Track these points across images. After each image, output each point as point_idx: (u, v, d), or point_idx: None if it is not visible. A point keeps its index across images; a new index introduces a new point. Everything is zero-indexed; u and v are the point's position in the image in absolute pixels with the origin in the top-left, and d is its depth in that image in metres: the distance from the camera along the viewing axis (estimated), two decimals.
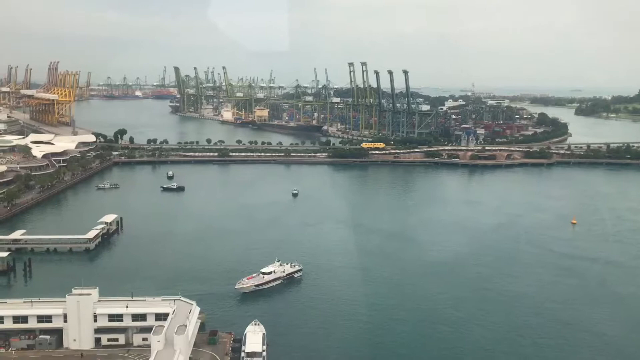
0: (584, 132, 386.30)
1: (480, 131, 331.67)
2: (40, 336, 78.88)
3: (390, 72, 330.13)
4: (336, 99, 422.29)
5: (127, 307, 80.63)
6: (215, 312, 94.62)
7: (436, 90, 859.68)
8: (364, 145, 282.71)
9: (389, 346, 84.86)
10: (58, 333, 79.25)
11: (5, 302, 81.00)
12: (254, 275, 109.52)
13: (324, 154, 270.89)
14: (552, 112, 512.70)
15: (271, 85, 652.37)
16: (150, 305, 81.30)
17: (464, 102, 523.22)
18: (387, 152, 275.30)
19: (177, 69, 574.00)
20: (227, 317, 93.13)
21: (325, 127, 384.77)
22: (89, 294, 79.90)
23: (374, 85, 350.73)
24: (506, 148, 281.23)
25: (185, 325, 71.83)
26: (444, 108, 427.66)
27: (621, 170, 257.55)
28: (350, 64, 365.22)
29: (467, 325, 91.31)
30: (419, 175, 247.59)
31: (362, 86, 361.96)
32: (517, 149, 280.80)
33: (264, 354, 78.12)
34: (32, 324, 78.76)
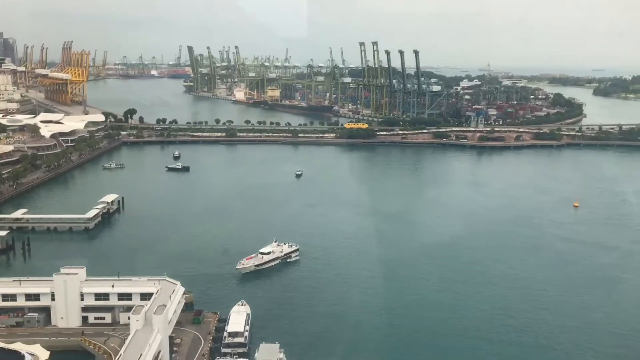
0: (599, 113, 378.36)
1: (493, 112, 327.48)
2: (28, 314, 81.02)
3: (401, 52, 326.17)
4: (347, 79, 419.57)
5: (113, 286, 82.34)
6: (215, 291, 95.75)
7: (454, 70, 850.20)
8: (346, 125, 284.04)
9: (371, 326, 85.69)
10: (46, 311, 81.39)
11: None
12: (253, 255, 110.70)
13: (332, 135, 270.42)
14: (570, 92, 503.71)
15: (286, 64, 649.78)
16: (135, 285, 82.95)
17: (479, 83, 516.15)
18: (395, 132, 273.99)
19: (190, 48, 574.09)
20: (224, 297, 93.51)
21: (336, 107, 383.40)
22: (76, 273, 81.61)
23: (393, 65, 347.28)
24: (515, 129, 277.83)
25: (165, 305, 73.12)
26: (458, 88, 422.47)
27: (632, 153, 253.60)
28: (362, 44, 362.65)
29: (452, 309, 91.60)
30: (426, 157, 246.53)
31: (373, 66, 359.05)
32: (527, 130, 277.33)
33: (246, 333, 79.36)
34: (21, 302, 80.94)
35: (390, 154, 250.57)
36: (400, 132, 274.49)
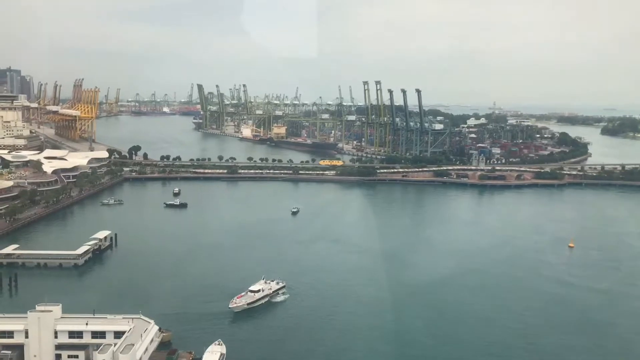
0: (605, 153, 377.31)
1: (496, 150, 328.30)
2: (2, 351, 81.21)
3: (404, 91, 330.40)
4: (352, 117, 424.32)
5: (87, 324, 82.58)
6: (197, 330, 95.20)
7: (464, 108, 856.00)
8: (321, 162, 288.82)
9: None
10: (19, 349, 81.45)
11: None
12: (243, 293, 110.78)
13: (332, 172, 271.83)
14: (577, 131, 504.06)
15: (295, 102, 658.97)
16: (109, 323, 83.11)
17: (485, 121, 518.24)
18: (395, 170, 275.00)
19: (200, 87, 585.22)
20: (207, 336, 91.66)
21: (340, 145, 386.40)
22: (51, 311, 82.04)
23: (398, 103, 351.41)
24: (517, 168, 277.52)
25: (132, 345, 73.21)
26: (464, 126, 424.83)
27: (634, 193, 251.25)
28: (365, 83, 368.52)
29: (433, 349, 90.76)
30: (425, 195, 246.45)
31: (376, 104, 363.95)
32: (528, 169, 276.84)
33: None
34: None
35: (390, 192, 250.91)
36: (401, 170, 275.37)
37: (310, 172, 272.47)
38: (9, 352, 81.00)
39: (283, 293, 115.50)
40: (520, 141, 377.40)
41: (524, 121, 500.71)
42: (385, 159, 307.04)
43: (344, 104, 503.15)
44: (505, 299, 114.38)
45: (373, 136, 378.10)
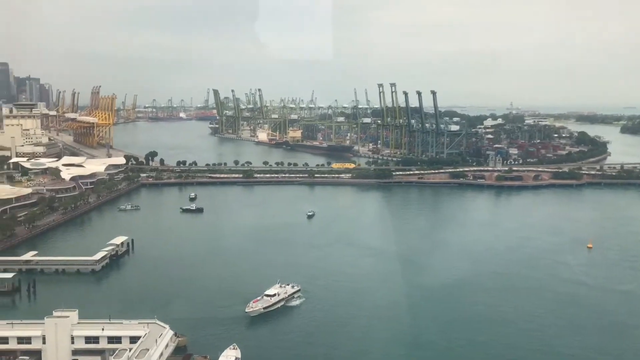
0: (625, 152, 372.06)
1: (513, 151, 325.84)
2: (20, 357, 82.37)
3: (419, 93, 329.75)
4: (367, 120, 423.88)
5: (103, 329, 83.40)
6: (213, 335, 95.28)
7: (481, 109, 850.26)
8: (334, 166, 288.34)
9: None
10: (37, 354, 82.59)
11: None
12: (258, 298, 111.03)
13: (348, 175, 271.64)
14: (596, 130, 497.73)
15: (310, 106, 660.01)
16: (125, 328, 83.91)
17: (502, 121, 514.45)
18: (411, 172, 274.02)
19: (216, 92, 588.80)
20: (223, 340, 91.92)
21: (356, 147, 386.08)
22: (67, 316, 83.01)
23: (413, 105, 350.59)
24: (534, 168, 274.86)
25: (147, 349, 73.72)
26: (481, 127, 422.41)
27: None
28: (380, 85, 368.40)
29: (450, 352, 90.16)
30: (441, 197, 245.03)
31: (392, 106, 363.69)
32: (545, 169, 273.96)
33: None
34: (13, 345, 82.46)
35: (406, 194, 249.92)
36: (417, 171, 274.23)
37: (326, 175, 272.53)
38: (27, 357, 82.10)
39: (298, 297, 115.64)
40: (538, 141, 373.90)
41: (541, 121, 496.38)
42: (401, 161, 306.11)
43: (360, 106, 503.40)
44: (523, 301, 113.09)
45: (389, 138, 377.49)
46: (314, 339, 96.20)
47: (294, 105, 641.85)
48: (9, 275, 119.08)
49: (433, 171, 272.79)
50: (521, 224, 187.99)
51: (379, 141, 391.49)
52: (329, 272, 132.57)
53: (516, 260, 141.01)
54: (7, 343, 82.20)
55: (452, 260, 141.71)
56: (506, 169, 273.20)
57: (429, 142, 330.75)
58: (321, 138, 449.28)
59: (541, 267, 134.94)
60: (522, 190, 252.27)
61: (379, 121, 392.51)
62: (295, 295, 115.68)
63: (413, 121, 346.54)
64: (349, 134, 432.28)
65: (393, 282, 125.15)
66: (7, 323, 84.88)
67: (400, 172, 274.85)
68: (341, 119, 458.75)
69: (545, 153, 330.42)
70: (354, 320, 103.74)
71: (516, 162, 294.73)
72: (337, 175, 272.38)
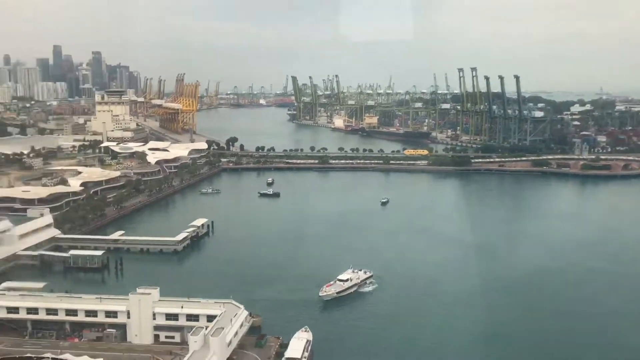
0: None
1: (602, 138, 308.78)
2: (107, 330, 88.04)
3: (501, 77, 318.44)
4: (446, 105, 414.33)
5: (182, 307, 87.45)
6: (287, 317, 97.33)
7: (568, 94, 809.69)
8: (406, 152, 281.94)
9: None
10: (123, 328, 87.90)
11: (81, 297, 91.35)
12: (331, 282, 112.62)
13: (424, 162, 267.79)
14: None
15: (388, 91, 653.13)
16: (203, 307, 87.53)
17: (590, 107, 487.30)
18: (491, 160, 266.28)
19: (294, 79, 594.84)
20: (296, 322, 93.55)
21: (433, 134, 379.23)
22: (149, 294, 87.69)
23: (496, 90, 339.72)
24: (624, 157, 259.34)
25: (222, 328, 76.61)
26: (567, 114, 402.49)
27: None
28: (460, 70, 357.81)
29: (523, 344, 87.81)
30: (523, 185, 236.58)
31: (472, 92, 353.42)
32: (637, 158, 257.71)
33: (303, 359, 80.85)
34: (101, 318, 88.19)
35: (485, 183, 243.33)
36: (497, 159, 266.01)
37: (401, 162, 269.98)
38: (114, 330, 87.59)
39: (371, 283, 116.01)
40: (629, 128, 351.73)
41: (634, 107, 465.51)
42: (481, 148, 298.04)
43: (439, 92, 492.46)
44: (608, 297, 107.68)
45: (468, 125, 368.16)
46: (386, 326, 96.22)
47: (371, 92, 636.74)
48: (99, 253, 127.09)
49: (514, 159, 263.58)
50: (609, 215, 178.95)
51: (458, 127, 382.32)
52: (403, 259, 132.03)
53: (603, 254, 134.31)
54: (96, 316, 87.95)
55: (534, 252, 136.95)
56: (593, 157, 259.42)
57: (511, 128, 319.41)
58: (398, 124, 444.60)
59: (631, 262, 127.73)
60: (610, 180, 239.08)
61: (459, 107, 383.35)
62: (368, 282, 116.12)
63: (494, 107, 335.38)
64: (426, 120, 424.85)
65: (469, 272, 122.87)
66: (96, 297, 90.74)
67: (480, 160, 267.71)
68: (419, 104, 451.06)
69: (637, 141, 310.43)
70: (428, 309, 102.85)
71: (604, 151, 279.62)
72: (412, 162, 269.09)
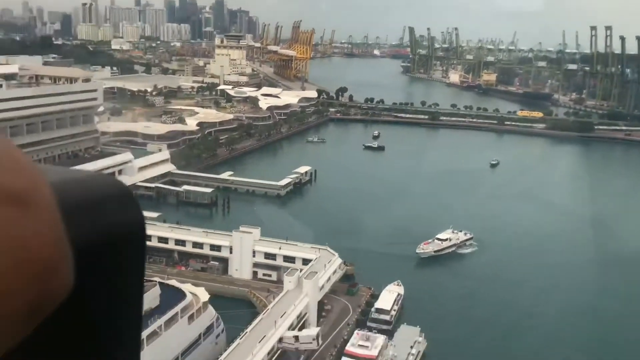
0: None
1: None
2: (211, 262, 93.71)
3: (639, 39, 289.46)
4: (573, 66, 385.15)
5: (280, 248, 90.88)
6: (380, 269, 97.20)
7: None
8: (519, 113, 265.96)
9: (529, 337, 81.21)
10: (225, 262, 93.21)
11: (189, 230, 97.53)
12: (429, 240, 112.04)
13: (541, 125, 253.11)
14: None
15: (510, 48, 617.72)
16: (299, 250, 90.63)
17: None
18: (617, 128, 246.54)
19: (411, 30, 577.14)
20: (388, 275, 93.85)
21: (555, 96, 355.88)
22: (251, 232, 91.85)
23: (632, 52, 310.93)
24: None
25: (316, 272, 78.84)
26: None
27: None
28: (592, 28, 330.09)
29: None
30: None
31: (604, 52, 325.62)
32: None
33: (393, 312, 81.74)
34: (206, 250, 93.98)
35: (608, 152, 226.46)
36: (624, 127, 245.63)
37: (517, 123, 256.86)
38: (217, 263, 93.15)
39: (470, 245, 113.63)
40: None
41: None
42: (607, 115, 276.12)
43: (566, 51, 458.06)
44: None
45: (596, 88, 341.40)
46: (482, 290, 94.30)
47: (492, 47, 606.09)
48: (209, 190, 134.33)
49: None
50: None
51: (584, 91, 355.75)
52: (507, 225, 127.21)
53: None
54: (202, 248, 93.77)
55: None
56: None
57: None
58: (518, 83, 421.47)
59: None
60: None
61: (587, 68, 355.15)
62: (467, 243, 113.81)
63: (628, 70, 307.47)
64: (549, 81, 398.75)
65: (578, 246, 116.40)
66: (203, 231, 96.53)
67: (604, 127, 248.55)
68: (543, 63, 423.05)
69: None
70: (528, 280, 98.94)
71: None
72: (529, 125, 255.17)
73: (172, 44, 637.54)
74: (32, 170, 1.13)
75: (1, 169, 1.06)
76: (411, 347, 71.27)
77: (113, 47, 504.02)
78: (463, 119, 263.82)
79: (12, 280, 1.04)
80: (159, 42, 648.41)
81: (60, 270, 1.15)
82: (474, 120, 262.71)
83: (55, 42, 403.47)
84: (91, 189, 1.34)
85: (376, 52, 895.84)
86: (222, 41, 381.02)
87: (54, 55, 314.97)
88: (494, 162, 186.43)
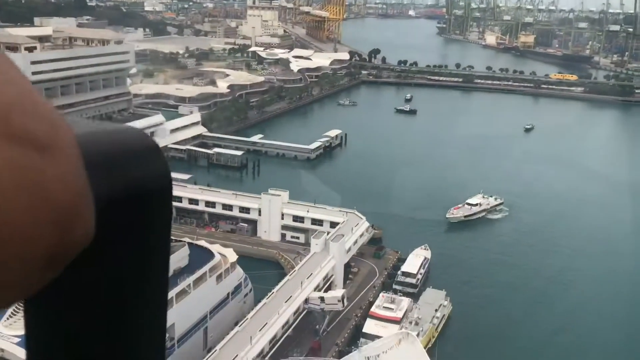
0: None
1: None
2: (240, 223, 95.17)
3: None
4: (615, 27, 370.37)
5: (308, 211, 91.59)
6: (409, 234, 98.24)
7: None
8: (552, 76, 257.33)
9: (554, 308, 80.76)
10: (254, 224, 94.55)
11: (219, 192, 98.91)
12: (459, 205, 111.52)
13: (579, 89, 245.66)
14: None
15: (551, 8, 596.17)
16: (327, 214, 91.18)
17: None
18: None
19: None
20: (417, 240, 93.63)
21: (596, 58, 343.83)
22: (279, 195, 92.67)
23: None
24: None
25: (343, 235, 79.44)
26: None
27: None
28: None
29: None
30: None
31: None
32: None
33: (419, 276, 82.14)
34: (235, 212, 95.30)
35: None
36: None
37: (554, 87, 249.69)
38: (246, 225, 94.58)
39: (501, 210, 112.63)
40: None
41: None
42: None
43: (609, 11, 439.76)
44: None
45: (639, 50, 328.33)
46: (510, 256, 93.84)
47: (531, 7, 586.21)
48: (239, 153, 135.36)
49: None
50: None
51: (627, 53, 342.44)
52: (540, 190, 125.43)
53: None
54: (231, 210, 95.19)
55: None
56: None
57: None
58: (557, 45, 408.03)
59: None
60: None
61: (630, 29, 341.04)
62: (498, 208, 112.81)
63: None
64: (590, 43, 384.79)
65: (612, 212, 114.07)
66: (233, 193, 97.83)
67: None
68: (584, 24, 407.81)
69: None
70: (560, 247, 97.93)
71: None
72: (566, 88, 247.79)
73: (204, 5, 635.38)
74: (55, 116, 1.12)
75: (23, 112, 1.04)
76: (436, 310, 71.75)
77: (146, 8, 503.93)
78: (498, 82, 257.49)
79: (32, 225, 1.03)
80: (191, 3, 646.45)
81: (82, 218, 1.12)
82: (510, 83, 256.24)
83: (89, 4, 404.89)
84: (117, 142, 1.30)
85: (411, 12, 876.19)
86: (254, 2, 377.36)
87: (88, 17, 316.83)
88: (528, 127, 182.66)
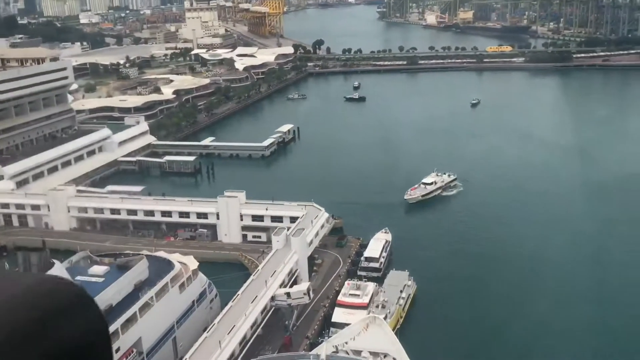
0: None
1: None
2: (199, 229, 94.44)
3: None
4: None
5: (266, 209, 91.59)
6: (368, 219, 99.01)
7: None
8: (488, 49, 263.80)
9: (515, 276, 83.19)
10: (213, 228, 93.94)
11: (175, 200, 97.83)
12: (416, 186, 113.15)
13: (520, 59, 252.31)
14: None
15: None
16: (286, 209, 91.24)
17: None
18: (595, 55, 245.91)
19: None
20: (377, 224, 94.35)
21: (533, 28, 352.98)
22: (236, 197, 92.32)
23: None
24: None
25: (303, 229, 79.86)
26: None
27: None
28: None
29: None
30: (630, 81, 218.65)
31: None
32: None
33: (382, 259, 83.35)
34: (193, 219, 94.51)
35: (587, 80, 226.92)
36: (602, 53, 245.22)
37: (496, 59, 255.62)
38: (205, 230, 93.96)
39: (455, 186, 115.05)
40: None
41: None
42: (584, 42, 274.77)
43: None
44: None
45: (573, 16, 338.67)
46: (468, 229, 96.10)
47: None
48: (192, 158, 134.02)
49: (621, 52, 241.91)
50: None
51: (562, 20, 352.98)
52: (489, 163, 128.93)
53: None
54: (189, 217, 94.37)
55: (628, 153, 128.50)
56: None
57: (620, 19, 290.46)
58: (495, 18, 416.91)
59: None
60: None
61: None
62: (452, 185, 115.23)
63: None
64: (526, 13, 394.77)
65: (560, 176, 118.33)
66: (188, 200, 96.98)
67: (582, 55, 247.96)
68: None
69: None
70: (514, 216, 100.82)
71: None
72: (508, 60, 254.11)
73: (141, 12, 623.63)
74: None
75: None
76: (401, 291, 72.98)
77: (81, 21, 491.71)
78: (442, 61, 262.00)
79: None
80: (127, 11, 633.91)
81: None
82: (453, 61, 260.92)
83: (20, 22, 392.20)
84: (41, 306, 1.22)
85: (351, 0, 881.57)
86: (191, 4, 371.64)
87: (21, 36, 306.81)
88: (474, 102, 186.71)
